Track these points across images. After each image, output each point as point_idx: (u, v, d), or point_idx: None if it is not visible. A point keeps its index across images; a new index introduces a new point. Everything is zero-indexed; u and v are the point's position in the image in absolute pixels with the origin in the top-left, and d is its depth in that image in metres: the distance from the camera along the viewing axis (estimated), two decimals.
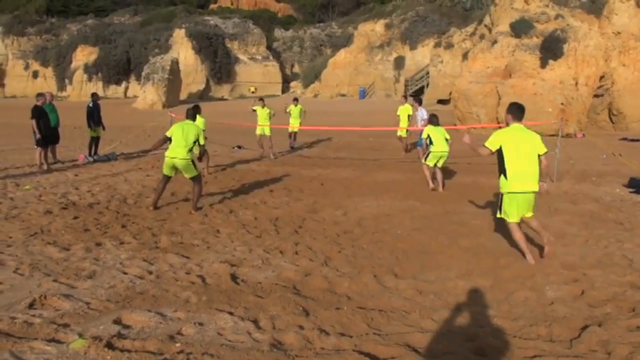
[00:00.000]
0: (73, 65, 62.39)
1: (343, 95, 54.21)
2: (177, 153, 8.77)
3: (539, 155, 6.21)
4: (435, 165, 11.16)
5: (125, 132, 23.43)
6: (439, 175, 11.14)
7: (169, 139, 8.88)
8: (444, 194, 10.52)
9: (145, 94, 46.72)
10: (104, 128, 15.82)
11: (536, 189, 6.17)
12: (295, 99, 18.44)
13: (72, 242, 6.77)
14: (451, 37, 44.52)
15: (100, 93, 60.42)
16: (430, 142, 11.12)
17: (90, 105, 15.60)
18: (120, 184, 11.25)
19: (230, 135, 21.63)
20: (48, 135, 13.09)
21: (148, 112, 37.87)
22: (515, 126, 6.35)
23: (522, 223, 6.38)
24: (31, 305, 4.75)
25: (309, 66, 62.75)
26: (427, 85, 45.24)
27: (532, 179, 6.14)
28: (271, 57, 63.60)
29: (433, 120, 11.49)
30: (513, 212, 6.25)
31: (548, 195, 8.42)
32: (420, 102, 14.73)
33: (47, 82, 63.39)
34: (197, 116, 11.13)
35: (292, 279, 5.65)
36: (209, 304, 4.88)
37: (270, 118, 16.53)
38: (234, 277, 5.64)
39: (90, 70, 60.76)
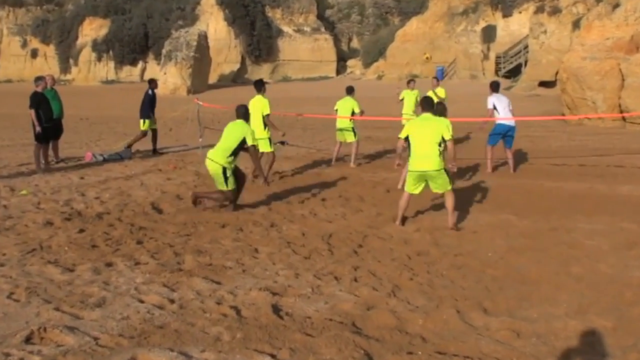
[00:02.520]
0: (79, 41, 64.66)
1: (415, 76, 53.79)
2: (212, 154, 9.30)
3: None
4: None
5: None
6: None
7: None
8: (549, 205, 10.27)
9: (166, 77, 47.83)
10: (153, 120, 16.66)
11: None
12: (412, 80, 18.01)
13: (77, 262, 6.97)
14: (558, 0, 43.51)
15: (112, 75, 62.55)
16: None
17: (150, 92, 16.60)
18: (135, 189, 11.53)
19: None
20: (49, 128, 13.49)
21: (169, 99, 38.76)
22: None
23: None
24: (28, 340, 4.90)
25: (371, 39, 62.73)
26: (526, 63, 44.47)
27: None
28: (323, 29, 64.02)
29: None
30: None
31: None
32: (497, 88, 13.87)
33: (48, 62, 65.94)
34: (261, 97, 11.99)
35: (351, 313, 5.63)
36: (245, 343, 4.91)
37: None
38: (276, 309, 5.67)
39: (100, 48, 62.77)
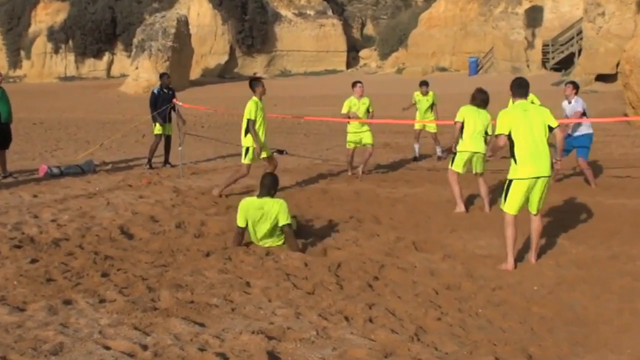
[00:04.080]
0: (32, 30, 64.98)
1: (443, 69, 54.12)
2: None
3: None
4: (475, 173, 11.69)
5: (108, 130, 24.18)
6: (484, 188, 11.63)
7: None
8: (608, 227, 10.25)
9: (138, 72, 48.04)
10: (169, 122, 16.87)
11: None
12: (425, 83, 18.52)
13: (29, 299, 6.96)
14: None
15: (72, 70, 62.87)
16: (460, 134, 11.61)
17: (155, 92, 16.76)
18: (100, 209, 11.56)
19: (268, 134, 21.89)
20: None
21: (142, 98, 38.83)
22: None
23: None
24: None
25: (389, 25, 63.04)
26: (579, 52, 44.51)
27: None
28: (330, 12, 64.28)
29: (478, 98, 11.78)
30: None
31: None
32: (576, 88, 14.29)
33: None
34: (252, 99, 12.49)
35: None
36: None
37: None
38: (272, 357, 5.67)
39: (57, 37, 63.04)
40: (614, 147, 20.00)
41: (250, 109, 12.44)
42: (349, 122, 15.23)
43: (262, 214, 9.05)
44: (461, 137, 11.55)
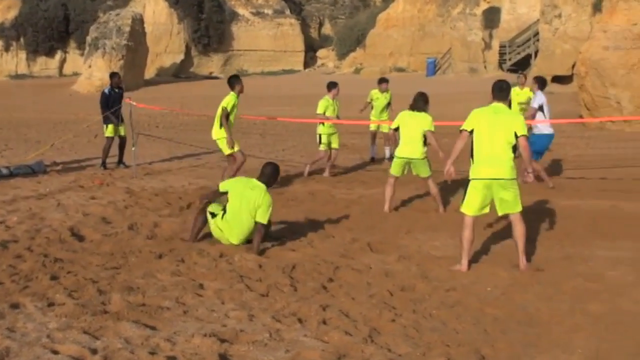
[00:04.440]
0: None
1: (401, 70, 54.40)
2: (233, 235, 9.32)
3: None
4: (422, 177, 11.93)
5: (59, 130, 23.86)
6: (433, 191, 11.79)
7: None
8: (562, 228, 10.38)
9: (91, 70, 47.67)
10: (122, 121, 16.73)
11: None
12: (384, 80, 18.49)
13: None
14: None
15: (24, 68, 62.01)
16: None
17: (106, 91, 16.60)
18: (50, 211, 11.40)
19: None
20: None
21: (95, 98, 38.32)
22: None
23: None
24: None
25: (347, 25, 63.25)
26: (536, 53, 45.07)
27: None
28: (288, 12, 64.30)
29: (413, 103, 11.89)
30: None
31: None
32: (543, 84, 14.66)
33: None
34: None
35: None
36: None
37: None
38: None
39: (8, 35, 62.16)
40: (568, 148, 20.27)
41: (229, 100, 12.92)
42: (322, 124, 15.28)
43: (247, 194, 9.11)
44: (400, 142, 11.76)
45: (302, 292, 7.45)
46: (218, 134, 13.14)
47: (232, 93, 13.07)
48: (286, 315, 6.70)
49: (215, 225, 9.30)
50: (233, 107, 12.99)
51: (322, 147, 15.42)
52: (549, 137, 13.98)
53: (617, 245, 9.42)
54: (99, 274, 7.95)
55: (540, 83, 14.56)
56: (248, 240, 9.25)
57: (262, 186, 9.30)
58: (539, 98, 13.91)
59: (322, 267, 8.40)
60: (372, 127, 18.20)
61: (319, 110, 15.29)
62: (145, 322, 6.43)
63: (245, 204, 9.11)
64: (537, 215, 11.18)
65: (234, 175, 12.58)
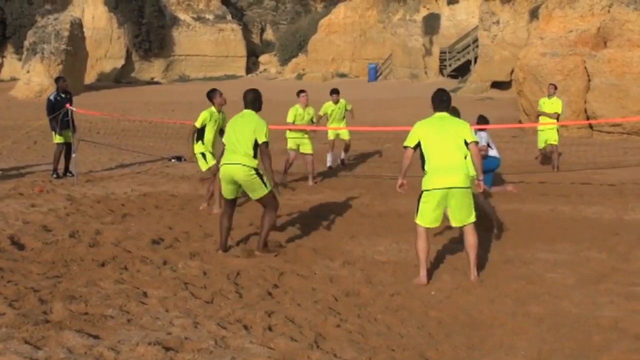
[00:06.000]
0: None
1: (343, 75, 54.67)
2: (232, 158, 9.17)
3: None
4: None
5: None
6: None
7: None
8: (503, 231, 10.55)
9: (29, 76, 46.83)
10: (74, 130, 16.25)
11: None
12: (335, 91, 17.98)
13: None
14: None
15: None
16: None
17: (52, 98, 16.19)
18: None
19: (163, 141, 21.69)
20: None
21: (34, 103, 37.91)
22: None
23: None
24: None
25: (289, 30, 63.37)
26: (475, 59, 45.64)
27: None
28: (229, 17, 64.12)
29: None
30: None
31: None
32: (482, 122, 13.92)
33: None
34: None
35: None
36: None
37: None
38: None
39: None
40: (508, 153, 20.49)
41: (202, 116, 12.28)
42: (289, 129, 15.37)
43: (239, 122, 9.35)
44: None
45: (247, 299, 7.45)
46: (195, 148, 12.48)
47: (210, 108, 12.47)
48: (231, 322, 6.70)
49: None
50: (206, 121, 12.31)
51: (288, 147, 15.61)
52: (497, 159, 13.77)
53: (556, 248, 9.61)
54: (40, 282, 7.84)
55: (482, 123, 13.95)
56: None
57: (252, 112, 9.46)
58: (485, 138, 13.54)
59: (267, 273, 8.41)
60: (331, 135, 17.99)
61: (288, 119, 15.32)
62: (89, 331, 6.37)
63: (239, 131, 9.26)
64: (478, 219, 11.30)
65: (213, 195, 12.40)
